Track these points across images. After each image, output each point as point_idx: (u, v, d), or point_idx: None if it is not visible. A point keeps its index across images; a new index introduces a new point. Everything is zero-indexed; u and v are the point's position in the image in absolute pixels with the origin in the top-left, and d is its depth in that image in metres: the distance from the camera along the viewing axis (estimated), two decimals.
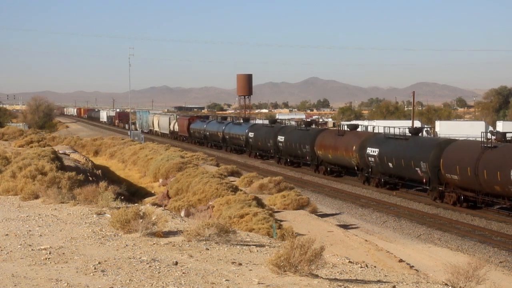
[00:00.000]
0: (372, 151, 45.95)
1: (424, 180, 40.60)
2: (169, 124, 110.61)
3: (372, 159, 45.97)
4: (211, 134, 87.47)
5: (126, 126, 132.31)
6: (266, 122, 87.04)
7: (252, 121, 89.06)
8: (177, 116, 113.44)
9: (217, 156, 69.63)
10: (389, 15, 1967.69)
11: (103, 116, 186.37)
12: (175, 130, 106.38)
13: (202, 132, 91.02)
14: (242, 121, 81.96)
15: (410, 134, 44.39)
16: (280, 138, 62.30)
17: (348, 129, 53.52)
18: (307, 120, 70.75)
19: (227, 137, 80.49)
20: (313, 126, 64.00)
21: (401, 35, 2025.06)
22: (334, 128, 61.24)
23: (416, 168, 40.77)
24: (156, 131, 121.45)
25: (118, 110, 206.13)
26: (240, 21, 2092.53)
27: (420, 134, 45.66)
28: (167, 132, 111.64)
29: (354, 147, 48.75)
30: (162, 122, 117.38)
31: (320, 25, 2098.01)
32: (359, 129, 66.06)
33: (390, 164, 43.73)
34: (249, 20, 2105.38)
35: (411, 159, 41.23)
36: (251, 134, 71.53)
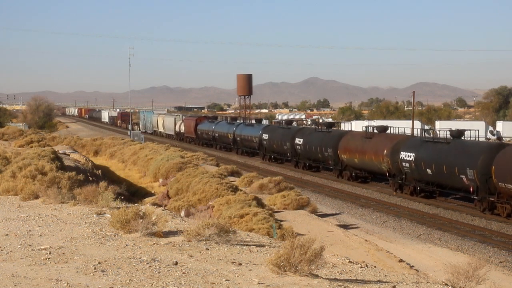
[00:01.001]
0: (407, 155, 41.79)
1: (471, 189, 36.25)
2: (175, 125, 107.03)
3: (407, 164, 41.74)
4: (220, 135, 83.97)
5: (129, 126, 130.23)
6: (266, 121, 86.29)
7: (251, 121, 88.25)
8: (183, 117, 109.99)
9: (226, 158, 67.68)
10: (389, 15, 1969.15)
11: (105, 116, 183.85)
12: (181, 131, 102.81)
13: (211, 133, 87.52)
14: (254, 122, 78.19)
15: (451, 137, 40.04)
16: (298, 141, 58.92)
17: (376, 131, 49.31)
18: (329, 121, 67.71)
19: (238, 139, 76.77)
20: (335, 127, 60.16)
21: (401, 35, 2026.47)
22: (360, 131, 55.75)
23: (461, 176, 36.57)
24: (160, 132, 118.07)
25: (118, 110, 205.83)
26: (240, 21, 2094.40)
27: (462, 137, 40.77)
28: (172, 133, 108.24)
29: (385, 151, 44.85)
30: (167, 123, 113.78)
31: (320, 25, 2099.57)
32: (349, 130, 64.90)
33: (429, 171, 39.57)
34: (249, 20, 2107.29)
35: (455, 166, 36.94)
36: (265, 136, 67.60)
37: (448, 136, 40.65)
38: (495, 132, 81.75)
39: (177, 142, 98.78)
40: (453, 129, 42.25)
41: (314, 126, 63.01)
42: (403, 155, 42.37)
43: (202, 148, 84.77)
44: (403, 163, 42.31)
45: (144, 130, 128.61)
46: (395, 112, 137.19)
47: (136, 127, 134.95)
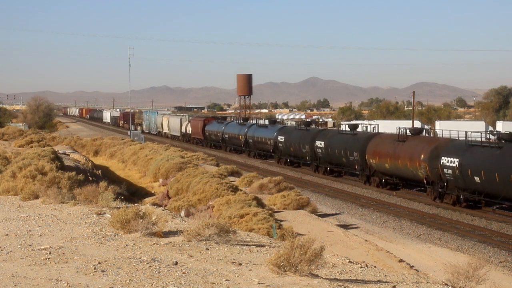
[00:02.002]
0: (450, 161, 37.27)
1: None
2: (181, 126, 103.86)
3: (450, 171, 37.23)
4: (230, 137, 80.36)
5: (132, 127, 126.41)
6: (266, 121, 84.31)
7: (251, 121, 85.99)
8: (190, 117, 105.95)
9: (237, 162, 65.32)
10: (389, 15, 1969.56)
11: (107, 116, 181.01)
12: (188, 132, 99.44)
13: (220, 134, 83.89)
14: (268, 123, 73.70)
15: (504, 141, 35.28)
16: (319, 144, 54.78)
17: (410, 134, 44.52)
18: (353, 123, 59.92)
19: (251, 140, 72.86)
20: (360, 129, 55.58)
21: (401, 35, 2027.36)
22: (390, 133, 50.59)
23: None
24: (165, 133, 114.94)
25: (118, 109, 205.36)
26: (240, 21, 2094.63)
27: None
28: (178, 134, 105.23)
29: (422, 155, 40.43)
30: (172, 124, 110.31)
31: (320, 25, 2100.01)
32: (377, 132, 61.48)
33: (477, 179, 35.22)
34: (249, 20, 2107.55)
35: (511, 173, 32.81)
36: (280, 138, 63.18)
37: (496, 139, 36.73)
38: (495, 132, 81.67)
39: (184, 143, 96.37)
40: (506, 131, 38.10)
41: (337, 128, 58.25)
42: (445, 160, 37.80)
43: (211, 150, 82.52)
44: (445, 170, 37.74)
45: (148, 131, 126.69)
46: (395, 112, 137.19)
47: (139, 127, 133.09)
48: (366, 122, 76.94)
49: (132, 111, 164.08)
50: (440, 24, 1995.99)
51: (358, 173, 49.42)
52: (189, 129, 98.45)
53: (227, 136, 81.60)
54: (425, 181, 40.60)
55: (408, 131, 45.12)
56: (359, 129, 56.82)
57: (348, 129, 53.75)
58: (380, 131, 54.49)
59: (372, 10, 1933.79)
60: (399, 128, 45.61)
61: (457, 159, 36.80)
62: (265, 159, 69.62)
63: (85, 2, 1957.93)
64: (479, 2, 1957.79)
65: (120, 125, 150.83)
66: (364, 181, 48.24)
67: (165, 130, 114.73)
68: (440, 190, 38.89)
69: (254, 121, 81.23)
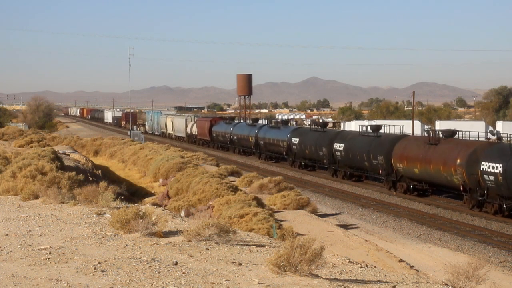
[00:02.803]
0: (492, 167, 34.16)
1: None
2: (186, 126, 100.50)
3: (491, 177, 34.08)
4: (239, 138, 76.89)
5: (135, 127, 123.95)
6: (266, 121, 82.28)
7: (261, 121, 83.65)
8: (196, 118, 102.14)
9: (247, 164, 63.11)
10: (389, 15, 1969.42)
11: (108, 116, 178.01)
12: (193, 133, 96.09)
13: (228, 135, 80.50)
14: (280, 123, 69.61)
15: None
16: (338, 146, 51.54)
17: (443, 136, 40.76)
18: (376, 124, 54.94)
19: (262, 142, 69.33)
20: (383, 131, 50.79)
21: (401, 35, 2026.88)
22: (408, 134, 48.14)
23: None
24: (169, 133, 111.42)
25: (118, 109, 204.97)
26: (240, 21, 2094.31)
27: None
28: (183, 135, 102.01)
29: (458, 160, 37.11)
30: (177, 124, 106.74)
31: (320, 25, 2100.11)
32: (404, 134, 55.69)
33: None
34: (249, 20, 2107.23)
35: None
36: (295, 140, 59.92)
37: None
38: (495, 132, 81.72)
39: (189, 144, 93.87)
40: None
41: (359, 129, 52.03)
42: (486, 166, 34.68)
43: (218, 152, 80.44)
44: (485, 176, 34.64)
45: (151, 132, 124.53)
46: (395, 112, 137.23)
47: (142, 128, 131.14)
48: (366, 122, 76.88)
49: (132, 111, 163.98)
50: (440, 24, 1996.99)
51: (382, 178, 45.97)
52: (195, 130, 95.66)
53: (235, 137, 78.43)
54: (461, 188, 37.32)
55: (440, 133, 41.74)
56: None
57: (370, 130, 49.58)
58: (406, 133, 50.50)
59: (372, 10, 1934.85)
60: (429, 130, 42.61)
61: (501, 165, 33.55)
62: (276, 161, 66.92)
63: (85, 2, 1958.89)
64: (479, 2, 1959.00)
65: (122, 125, 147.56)
66: (390, 187, 44.59)
67: (169, 131, 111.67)
68: (480, 198, 35.70)
69: (264, 122, 78.78)
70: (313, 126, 60.91)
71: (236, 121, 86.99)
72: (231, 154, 77.45)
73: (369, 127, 50.28)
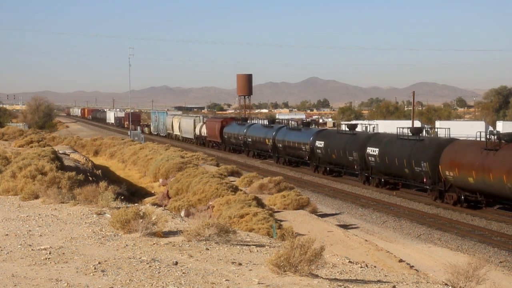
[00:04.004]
0: None
1: None
2: (194, 128, 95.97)
3: None
4: (254, 141, 72.18)
5: (138, 128, 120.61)
6: (266, 121, 77.71)
7: (250, 121, 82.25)
8: (205, 118, 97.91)
9: (264, 169, 58.26)
10: (389, 15, 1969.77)
11: (110, 117, 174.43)
12: (202, 134, 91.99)
13: (242, 138, 75.79)
14: (301, 125, 64.59)
15: None
16: (372, 151, 46.51)
17: (504, 141, 35.13)
18: (415, 126, 49.86)
19: (280, 145, 64.10)
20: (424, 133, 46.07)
21: (401, 35, 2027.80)
22: (462, 139, 43.50)
23: None
24: (176, 135, 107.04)
25: (118, 109, 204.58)
26: (240, 21, 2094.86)
27: None
28: (191, 136, 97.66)
29: None
30: (184, 125, 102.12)
31: (320, 25, 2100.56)
32: (358, 129, 55.54)
33: None
34: (249, 20, 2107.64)
35: None
36: (319, 144, 55.15)
37: None
38: (495, 132, 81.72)
39: (198, 147, 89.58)
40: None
41: (397, 131, 45.94)
42: None
43: (230, 155, 77.04)
44: None
45: (156, 133, 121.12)
46: (395, 112, 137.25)
47: (146, 129, 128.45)
48: (366, 122, 76.74)
49: (133, 111, 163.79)
50: (440, 24, 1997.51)
51: (427, 187, 40.66)
52: (204, 131, 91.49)
53: (250, 139, 73.56)
54: None
55: (500, 137, 35.87)
56: (371, 130, 52.47)
57: (410, 133, 44.52)
58: (454, 136, 44.79)
59: (372, 10, 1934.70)
60: (488, 134, 37.14)
61: None
62: (296, 166, 62.18)
63: (85, 2, 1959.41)
64: (479, 2, 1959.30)
65: (125, 126, 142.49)
66: (435, 197, 39.55)
67: (176, 132, 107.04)
68: None
69: (282, 123, 73.99)
70: (341, 128, 55.64)
71: (250, 122, 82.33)
72: (245, 158, 73.04)
73: (408, 130, 45.37)
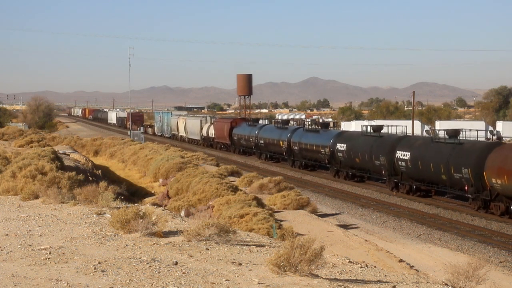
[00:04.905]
0: None
1: None
2: (201, 129, 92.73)
3: None
4: (267, 143, 68.42)
5: (141, 129, 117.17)
6: (266, 121, 78.38)
7: (263, 121, 78.56)
8: (212, 119, 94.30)
9: (280, 173, 52.97)
10: (389, 15, 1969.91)
11: (112, 117, 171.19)
12: (210, 135, 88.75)
13: (253, 139, 72.21)
14: (319, 127, 60.99)
15: None
16: (402, 155, 42.68)
17: None
18: (454, 128, 43.27)
19: (296, 148, 60.52)
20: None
21: (401, 35, 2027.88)
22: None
23: None
24: (181, 136, 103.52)
25: (118, 109, 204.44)
26: (240, 21, 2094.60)
27: None
28: (198, 137, 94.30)
29: None
30: (190, 126, 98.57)
31: (320, 25, 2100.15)
32: (353, 129, 55.56)
33: None
34: (249, 20, 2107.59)
35: None
36: (340, 147, 51.63)
37: None
38: (495, 132, 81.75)
39: (205, 148, 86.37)
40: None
41: (430, 133, 42.63)
42: None
43: (240, 157, 74.15)
44: None
45: (160, 133, 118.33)
46: (395, 112, 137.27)
47: (150, 129, 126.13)
48: (366, 122, 76.69)
49: (133, 111, 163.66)
50: (440, 24, 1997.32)
51: (469, 196, 36.95)
52: (211, 132, 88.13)
53: (262, 141, 69.83)
54: None
55: None
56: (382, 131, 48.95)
57: (446, 136, 40.67)
58: (498, 140, 41.52)
59: (372, 10, 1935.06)
60: None
61: None
62: (312, 170, 59.15)
63: (85, 2, 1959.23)
64: (479, 2, 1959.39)
65: (128, 126, 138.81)
66: (478, 207, 36.12)
67: (182, 133, 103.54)
68: None
69: (297, 124, 71.36)
70: (365, 130, 51.28)
71: (262, 122, 78.66)
72: (257, 160, 69.89)
73: (444, 132, 41.62)
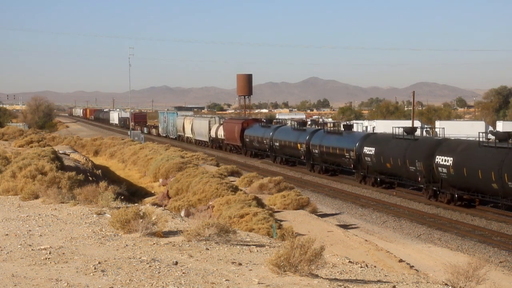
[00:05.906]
0: None
1: None
2: (209, 130, 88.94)
3: None
4: (283, 145, 64.02)
5: (145, 129, 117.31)
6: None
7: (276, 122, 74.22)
8: (221, 120, 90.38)
9: (303, 180, 51.85)
10: (389, 15, 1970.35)
11: (114, 117, 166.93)
12: (219, 137, 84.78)
13: (267, 141, 67.80)
14: (343, 128, 56.53)
15: None
16: (443, 161, 38.30)
17: None
18: (506, 131, 38.96)
19: (316, 151, 56.09)
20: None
21: (401, 35, 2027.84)
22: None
23: None
24: (188, 137, 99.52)
25: (118, 109, 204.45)
26: (240, 21, 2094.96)
27: None
28: (206, 139, 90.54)
29: None
30: (198, 127, 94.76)
31: (320, 25, 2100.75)
32: (354, 129, 52.48)
33: None
34: (249, 20, 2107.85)
35: None
36: (368, 150, 47.24)
37: None
38: (495, 132, 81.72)
39: (214, 150, 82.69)
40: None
41: (479, 137, 37.26)
42: None
43: (252, 160, 70.29)
44: None
45: (165, 134, 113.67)
46: (395, 112, 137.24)
47: (154, 130, 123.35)
48: (366, 122, 76.50)
49: (133, 111, 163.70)
50: (440, 24, 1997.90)
51: None
52: (220, 134, 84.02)
53: (277, 144, 65.32)
54: None
55: None
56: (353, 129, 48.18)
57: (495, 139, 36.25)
58: (453, 137, 39.26)
59: (372, 10, 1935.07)
60: None
61: None
62: (333, 175, 55.11)
63: (85, 2, 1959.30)
64: (479, 2, 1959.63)
65: (131, 127, 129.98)
66: None
67: (188, 134, 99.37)
68: None
69: (315, 124, 67.12)
70: (397, 132, 45.91)
71: (278, 123, 73.90)
72: (271, 164, 65.92)
73: (492, 135, 37.94)
